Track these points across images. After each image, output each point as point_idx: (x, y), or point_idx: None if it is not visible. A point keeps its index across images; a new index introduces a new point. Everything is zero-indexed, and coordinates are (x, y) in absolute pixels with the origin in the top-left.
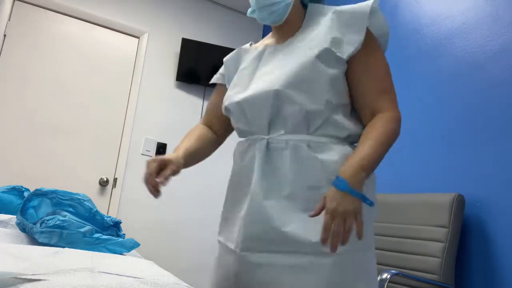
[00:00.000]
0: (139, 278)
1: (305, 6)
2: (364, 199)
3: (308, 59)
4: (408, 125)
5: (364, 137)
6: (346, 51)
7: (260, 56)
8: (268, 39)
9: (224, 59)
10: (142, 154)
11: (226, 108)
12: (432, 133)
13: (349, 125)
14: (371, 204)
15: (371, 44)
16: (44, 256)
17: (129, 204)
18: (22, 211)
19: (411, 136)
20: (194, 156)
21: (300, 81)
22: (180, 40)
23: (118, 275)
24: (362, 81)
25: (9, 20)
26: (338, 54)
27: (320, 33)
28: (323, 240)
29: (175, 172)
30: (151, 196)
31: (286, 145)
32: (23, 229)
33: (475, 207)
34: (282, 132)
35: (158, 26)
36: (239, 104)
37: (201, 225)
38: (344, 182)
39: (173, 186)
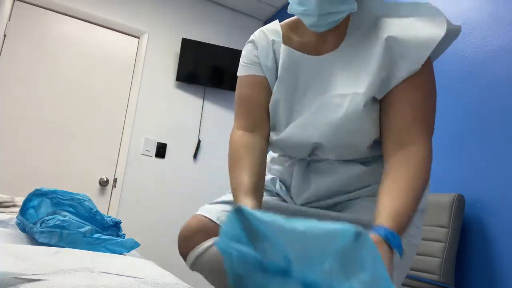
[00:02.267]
0: (139, 278)
1: None
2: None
3: (354, 109)
4: None
5: (401, 185)
6: (388, 86)
7: (297, 71)
8: (303, 37)
9: (258, 45)
10: (142, 154)
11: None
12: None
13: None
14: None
15: (422, 76)
16: (44, 256)
17: (129, 204)
18: (22, 211)
19: None
20: (262, 182)
21: (342, 135)
22: (180, 40)
23: (118, 275)
24: (396, 112)
25: (9, 20)
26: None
27: (368, 66)
28: None
29: None
30: (151, 196)
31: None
32: (23, 229)
33: (475, 207)
34: (326, 160)
35: (158, 26)
36: (275, 143)
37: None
38: (397, 238)
39: (173, 185)
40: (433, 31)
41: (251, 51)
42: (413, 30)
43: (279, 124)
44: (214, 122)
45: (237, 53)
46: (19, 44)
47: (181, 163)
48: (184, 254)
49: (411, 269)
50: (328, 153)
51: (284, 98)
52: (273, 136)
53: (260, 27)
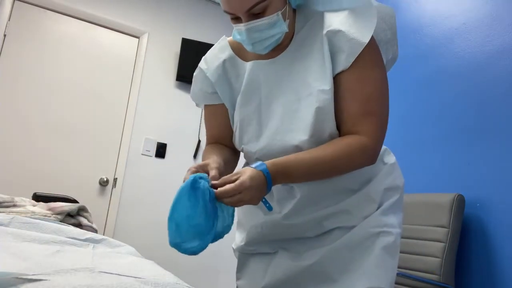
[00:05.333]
0: (139, 278)
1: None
2: (265, 201)
3: (324, 105)
4: (408, 125)
5: (320, 149)
6: (336, 69)
7: (256, 80)
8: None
9: (208, 75)
10: (142, 154)
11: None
12: (432, 133)
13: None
14: (269, 208)
15: (367, 57)
16: (44, 255)
17: (129, 204)
18: None
19: (411, 136)
20: (225, 163)
21: (317, 133)
22: (180, 40)
23: (119, 275)
24: (345, 99)
25: (9, 20)
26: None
27: (317, 61)
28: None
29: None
30: (151, 196)
31: None
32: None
33: (475, 207)
34: None
35: (158, 26)
36: (255, 155)
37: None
38: (269, 174)
39: (173, 186)
40: (365, 26)
41: (202, 81)
42: (347, 25)
43: (253, 135)
44: None
45: None
46: (19, 44)
47: (181, 163)
48: None
49: (411, 269)
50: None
51: (252, 111)
52: (252, 148)
53: None
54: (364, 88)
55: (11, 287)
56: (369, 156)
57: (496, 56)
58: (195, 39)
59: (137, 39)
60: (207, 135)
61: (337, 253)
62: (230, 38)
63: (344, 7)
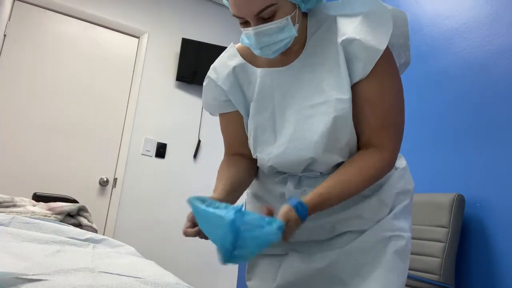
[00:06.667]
0: (139, 278)
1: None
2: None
3: (342, 115)
4: (408, 125)
5: (347, 177)
6: (354, 78)
7: (269, 87)
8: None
9: (220, 83)
10: (142, 154)
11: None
12: (432, 133)
13: None
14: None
15: (384, 65)
16: (44, 255)
17: (129, 204)
18: None
19: (411, 136)
20: (235, 190)
21: (333, 142)
22: (180, 40)
23: (119, 275)
24: (364, 109)
25: (9, 20)
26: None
27: (333, 69)
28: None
29: None
30: (151, 196)
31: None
32: None
33: (475, 207)
34: (318, 173)
35: (158, 26)
36: (268, 162)
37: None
38: (305, 215)
39: (173, 185)
40: (381, 32)
41: (213, 90)
42: (363, 33)
43: (267, 143)
44: (214, 122)
45: None
46: (19, 44)
47: (181, 163)
48: None
49: (411, 269)
50: (321, 165)
51: (266, 119)
52: (266, 156)
53: None
54: (383, 99)
55: (11, 287)
56: (388, 169)
57: (496, 56)
58: (195, 39)
59: (137, 39)
60: (225, 145)
61: (348, 256)
62: (239, 44)
63: (358, 12)
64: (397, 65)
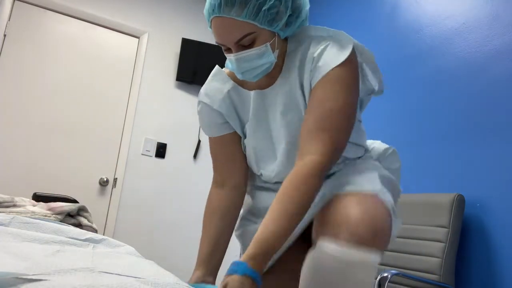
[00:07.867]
0: (139, 278)
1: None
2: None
3: None
4: (408, 125)
5: (280, 204)
6: (312, 86)
7: (261, 108)
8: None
9: (216, 107)
10: (142, 154)
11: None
12: (432, 133)
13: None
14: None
15: (339, 77)
16: (44, 255)
17: (129, 204)
18: None
19: (411, 136)
20: (220, 251)
21: None
22: (180, 40)
23: (119, 275)
24: (305, 113)
25: (9, 20)
26: None
27: (306, 82)
28: None
29: None
30: (151, 196)
31: None
32: None
33: (475, 207)
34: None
35: (158, 26)
36: (274, 178)
37: (202, 225)
38: (248, 270)
39: (173, 185)
40: (340, 50)
41: (210, 115)
42: (327, 50)
43: (268, 161)
44: None
45: None
46: (19, 44)
47: (181, 163)
48: None
49: (411, 269)
50: None
51: (263, 137)
52: (270, 173)
53: None
54: (323, 104)
55: (11, 287)
56: (323, 173)
57: (496, 56)
58: (195, 39)
59: (137, 39)
60: (214, 171)
61: (343, 174)
62: (225, 69)
63: (330, 34)
64: (362, 90)
